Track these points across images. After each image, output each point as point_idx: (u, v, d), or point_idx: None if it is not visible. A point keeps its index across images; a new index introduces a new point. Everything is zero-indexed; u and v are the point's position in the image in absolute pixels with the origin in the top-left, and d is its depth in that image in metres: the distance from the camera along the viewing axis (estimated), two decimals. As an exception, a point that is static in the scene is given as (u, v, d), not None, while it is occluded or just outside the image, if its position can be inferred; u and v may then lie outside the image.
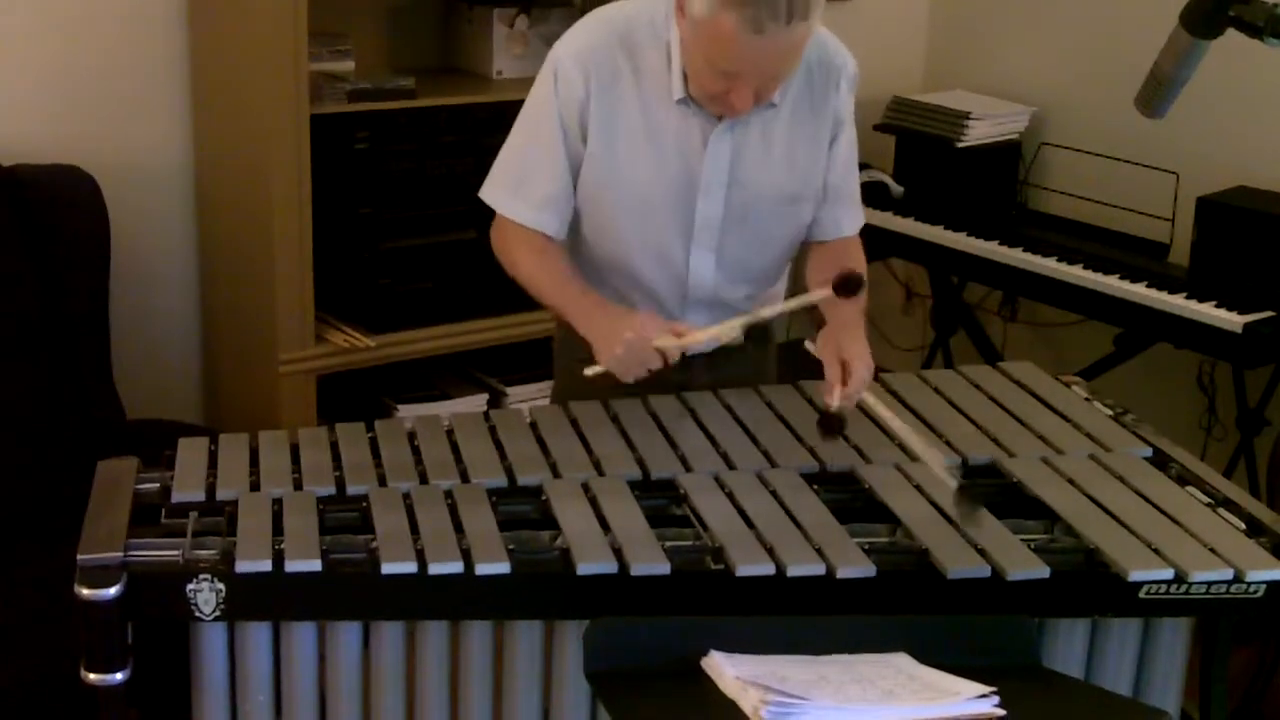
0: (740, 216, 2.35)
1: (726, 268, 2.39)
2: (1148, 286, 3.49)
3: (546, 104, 2.30)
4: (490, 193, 2.39)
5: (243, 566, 1.86)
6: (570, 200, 2.34)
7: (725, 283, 2.40)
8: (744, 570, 1.91)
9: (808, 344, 2.27)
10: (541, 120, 2.31)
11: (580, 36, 2.32)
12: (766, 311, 2.30)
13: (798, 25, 2.08)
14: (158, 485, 2.08)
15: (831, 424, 2.13)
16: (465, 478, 2.11)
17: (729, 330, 2.24)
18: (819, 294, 2.22)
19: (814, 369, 2.28)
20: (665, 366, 2.21)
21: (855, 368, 2.16)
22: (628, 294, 2.40)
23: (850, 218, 2.46)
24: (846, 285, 2.14)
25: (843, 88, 2.39)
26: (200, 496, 2.04)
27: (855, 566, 1.92)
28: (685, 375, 2.38)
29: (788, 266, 2.56)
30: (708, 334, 2.24)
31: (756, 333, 2.54)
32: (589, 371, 2.23)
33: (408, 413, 3.36)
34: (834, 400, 2.13)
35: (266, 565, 1.86)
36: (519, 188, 2.34)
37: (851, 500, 2.13)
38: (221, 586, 1.85)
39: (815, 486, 2.12)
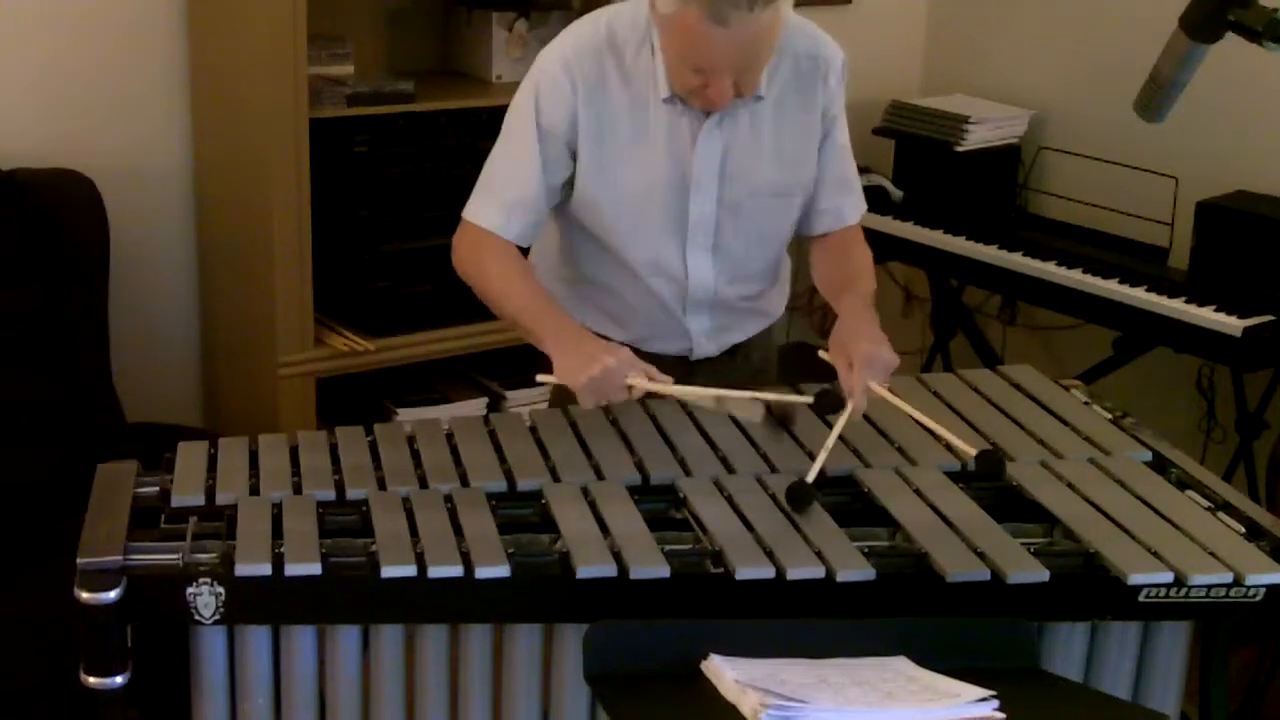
0: (733, 212, 2.34)
1: (724, 267, 2.38)
2: (1147, 290, 3.49)
3: (525, 111, 2.29)
4: (468, 206, 2.35)
5: (242, 570, 1.86)
6: (540, 210, 2.31)
7: (724, 283, 2.40)
8: (743, 573, 1.91)
9: (821, 354, 2.26)
10: (519, 127, 2.29)
11: (566, 41, 2.30)
12: (735, 396, 2.20)
13: (762, 12, 2.05)
14: (157, 488, 2.08)
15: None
16: (465, 481, 2.10)
17: (696, 394, 2.20)
18: (797, 399, 2.22)
19: (817, 373, 2.28)
20: (626, 399, 2.16)
21: (856, 364, 2.13)
22: (631, 303, 2.39)
23: (851, 205, 2.46)
24: (827, 402, 2.17)
25: (831, 81, 2.36)
26: (200, 500, 2.04)
27: (855, 570, 1.92)
28: (688, 380, 2.37)
29: (787, 271, 2.56)
30: (678, 390, 2.18)
31: (759, 338, 2.54)
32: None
33: (407, 416, 3.36)
34: (851, 403, 2.11)
35: (266, 569, 1.86)
36: (488, 191, 2.33)
37: (851, 503, 2.13)
38: (221, 590, 1.85)
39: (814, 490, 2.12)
